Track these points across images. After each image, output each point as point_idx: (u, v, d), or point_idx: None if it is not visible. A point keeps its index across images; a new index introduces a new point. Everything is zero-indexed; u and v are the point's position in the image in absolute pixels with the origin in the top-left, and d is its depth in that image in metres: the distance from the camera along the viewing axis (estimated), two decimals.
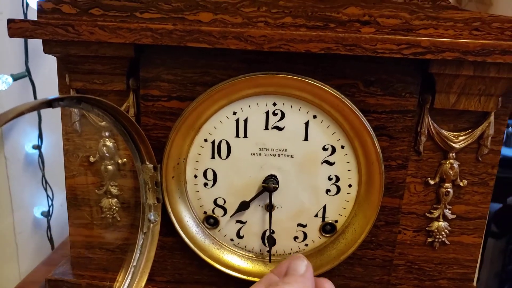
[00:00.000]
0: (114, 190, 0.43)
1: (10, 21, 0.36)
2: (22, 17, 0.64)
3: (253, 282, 0.27)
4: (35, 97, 0.71)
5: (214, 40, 0.35)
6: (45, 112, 0.74)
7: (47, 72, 0.73)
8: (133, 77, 0.39)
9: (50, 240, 0.80)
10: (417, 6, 0.34)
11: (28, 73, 0.70)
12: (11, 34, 0.36)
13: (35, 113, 0.74)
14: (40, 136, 0.75)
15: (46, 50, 0.38)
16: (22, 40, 0.69)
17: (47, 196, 0.77)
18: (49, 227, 0.79)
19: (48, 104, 0.29)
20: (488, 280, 1.01)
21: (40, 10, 0.37)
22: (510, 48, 0.33)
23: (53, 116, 0.67)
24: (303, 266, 0.25)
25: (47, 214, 0.78)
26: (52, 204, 0.78)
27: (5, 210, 0.77)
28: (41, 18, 0.37)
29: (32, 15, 0.61)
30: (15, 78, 0.68)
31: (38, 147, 0.75)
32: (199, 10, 0.36)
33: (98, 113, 0.34)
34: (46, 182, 0.76)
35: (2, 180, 0.76)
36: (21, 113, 0.26)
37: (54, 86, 0.42)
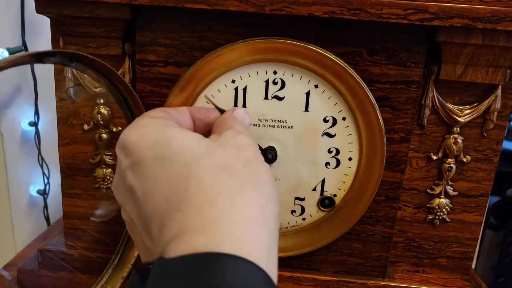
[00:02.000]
0: (108, 159, 0.42)
1: None
2: None
3: None
4: (32, 71, 0.70)
5: (213, 1, 0.33)
6: (41, 88, 0.72)
7: (43, 47, 0.72)
8: (129, 42, 0.38)
9: (47, 218, 0.80)
10: None
11: (24, 47, 0.69)
12: None
13: (31, 89, 0.72)
14: (37, 113, 0.74)
15: (39, 10, 0.36)
16: (18, 13, 0.67)
17: (43, 173, 0.77)
18: (45, 205, 0.79)
19: (37, 59, 0.28)
20: (484, 272, 1.00)
21: None
22: None
23: (50, 93, 0.66)
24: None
25: (43, 193, 0.78)
26: (48, 182, 0.77)
27: (0, 187, 0.76)
28: None
29: None
30: (11, 52, 0.67)
31: (34, 124, 0.74)
32: None
33: (91, 74, 0.33)
34: (42, 159, 0.75)
35: None
36: (10, 64, 0.25)
37: None
